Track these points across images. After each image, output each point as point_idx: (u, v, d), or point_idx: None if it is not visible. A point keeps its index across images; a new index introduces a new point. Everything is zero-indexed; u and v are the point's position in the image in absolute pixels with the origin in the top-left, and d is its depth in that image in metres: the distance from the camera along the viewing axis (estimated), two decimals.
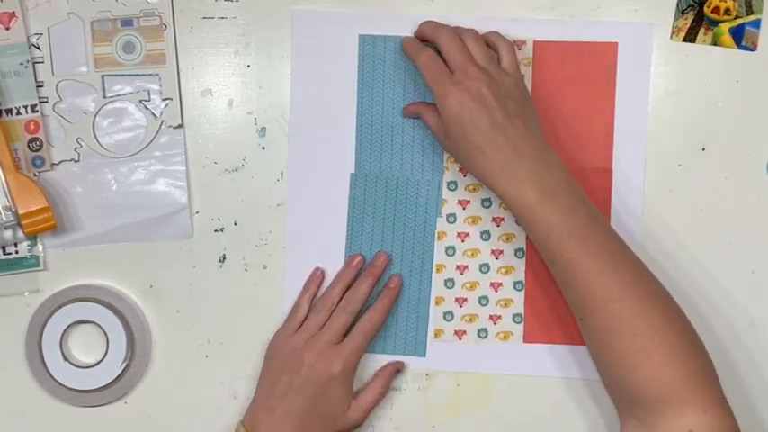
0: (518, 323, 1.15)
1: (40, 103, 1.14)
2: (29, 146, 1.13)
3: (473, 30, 1.10)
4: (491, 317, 1.15)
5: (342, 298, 1.12)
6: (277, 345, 1.12)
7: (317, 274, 1.15)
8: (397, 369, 1.15)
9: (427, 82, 1.07)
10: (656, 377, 1.00)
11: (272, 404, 1.09)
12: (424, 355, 1.16)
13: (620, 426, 1.05)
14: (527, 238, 1.14)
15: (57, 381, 1.15)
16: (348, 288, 1.13)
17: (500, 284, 1.15)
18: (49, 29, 1.14)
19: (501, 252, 1.15)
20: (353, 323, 1.12)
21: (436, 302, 1.16)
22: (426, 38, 1.11)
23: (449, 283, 1.15)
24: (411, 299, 1.15)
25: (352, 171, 1.15)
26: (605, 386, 1.07)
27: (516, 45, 1.13)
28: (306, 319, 1.13)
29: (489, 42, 1.10)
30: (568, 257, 1.02)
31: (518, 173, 1.03)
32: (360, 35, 1.14)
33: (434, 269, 1.15)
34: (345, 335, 1.11)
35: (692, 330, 1.04)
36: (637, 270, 1.04)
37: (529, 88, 1.14)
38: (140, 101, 1.15)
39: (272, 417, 1.09)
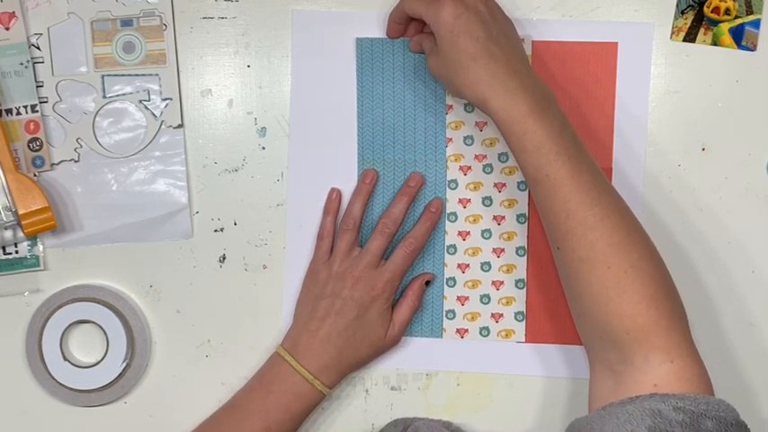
0: (520, 321, 1.15)
1: (40, 103, 1.14)
2: (29, 146, 1.13)
3: None
4: (493, 315, 1.15)
5: (362, 214, 1.13)
6: (314, 271, 1.13)
7: (334, 195, 1.15)
8: (427, 281, 1.15)
9: (416, 8, 1.07)
10: (627, 314, 0.99)
11: (314, 327, 1.10)
12: (441, 336, 1.16)
13: (589, 375, 1.04)
14: (528, 236, 1.14)
15: (57, 381, 1.15)
16: (366, 204, 1.14)
17: (501, 283, 1.15)
18: (49, 29, 1.14)
19: (502, 250, 1.15)
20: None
21: (441, 300, 1.16)
22: None
23: (450, 281, 1.15)
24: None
25: (353, 171, 1.15)
26: (578, 329, 1.05)
27: None
28: (334, 242, 1.13)
29: None
30: (554, 177, 1.01)
31: (511, 83, 1.02)
32: (359, 38, 1.14)
33: (443, 256, 1.15)
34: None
35: (667, 274, 1.03)
36: (618, 203, 1.03)
37: None
38: (140, 101, 1.15)
39: (315, 338, 1.10)
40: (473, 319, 1.16)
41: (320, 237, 1.14)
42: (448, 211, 1.15)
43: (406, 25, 1.12)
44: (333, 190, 1.15)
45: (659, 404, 0.94)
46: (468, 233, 1.15)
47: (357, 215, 1.13)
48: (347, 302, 1.10)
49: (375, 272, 1.11)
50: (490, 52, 1.03)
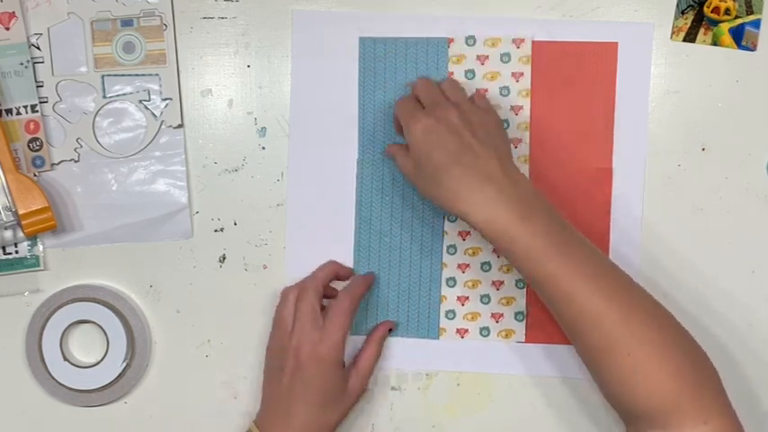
0: (520, 321, 1.15)
1: (40, 103, 1.14)
2: (29, 146, 1.13)
3: (452, 79, 1.12)
4: (493, 315, 1.15)
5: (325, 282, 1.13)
6: (269, 346, 1.12)
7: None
8: (389, 329, 1.14)
9: (399, 119, 1.07)
10: (654, 392, 0.98)
11: (275, 402, 1.09)
12: (437, 338, 1.16)
13: None
14: None
15: (57, 381, 1.15)
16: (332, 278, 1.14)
17: (501, 282, 1.15)
18: (49, 29, 1.14)
19: None
20: None
21: (438, 301, 1.16)
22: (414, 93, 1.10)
23: (450, 281, 1.15)
24: (423, 283, 1.15)
25: (353, 171, 1.15)
26: (606, 399, 1.04)
27: (515, 44, 1.13)
28: None
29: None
30: (554, 274, 1.00)
31: (488, 193, 1.00)
32: (360, 38, 1.14)
33: (443, 256, 1.15)
34: None
35: (688, 339, 1.02)
36: (621, 282, 1.02)
37: (529, 88, 1.14)
38: (140, 101, 1.15)
39: (277, 413, 1.08)
40: (473, 319, 1.16)
41: (277, 311, 1.12)
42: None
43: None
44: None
45: None
46: (468, 233, 1.15)
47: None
48: (294, 373, 1.07)
49: (315, 332, 1.08)
50: (463, 163, 1.01)
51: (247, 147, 1.16)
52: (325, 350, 1.07)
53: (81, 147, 1.15)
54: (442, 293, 1.16)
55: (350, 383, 1.10)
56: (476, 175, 1.01)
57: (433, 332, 1.16)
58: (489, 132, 1.05)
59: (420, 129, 1.03)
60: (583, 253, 1.02)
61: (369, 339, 1.13)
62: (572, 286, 1.00)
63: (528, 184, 1.03)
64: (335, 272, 1.14)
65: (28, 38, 1.13)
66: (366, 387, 1.12)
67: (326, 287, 1.13)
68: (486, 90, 1.14)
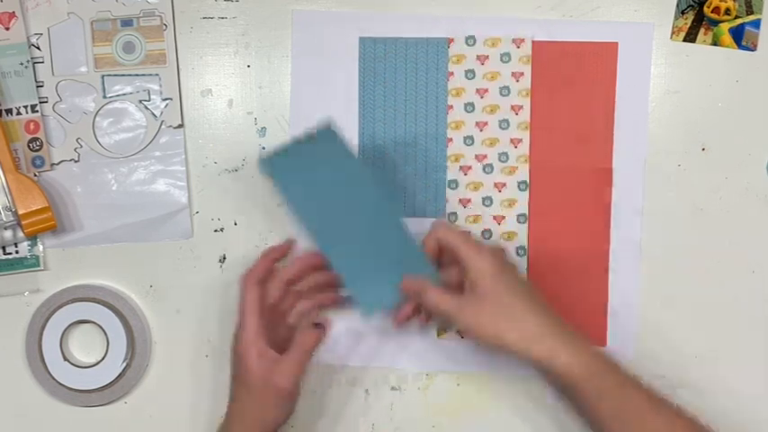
0: None
1: (40, 103, 1.14)
2: (29, 146, 1.13)
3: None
4: None
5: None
6: None
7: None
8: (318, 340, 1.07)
9: (456, 243, 1.03)
10: None
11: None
12: (391, 307, 1.10)
13: None
14: (528, 236, 1.14)
15: (57, 381, 1.15)
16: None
17: None
18: (49, 29, 1.14)
19: None
20: None
21: None
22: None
23: None
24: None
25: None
26: None
27: (515, 44, 1.13)
28: None
29: None
30: (628, 409, 1.00)
31: (582, 336, 1.02)
32: (360, 38, 1.14)
33: None
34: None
35: None
36: (676, 409, 1.03)
37: (529, 88, 1.14)
38: (140, 101, 1.15)
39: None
40: None
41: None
42: (448, 211, 1.15)
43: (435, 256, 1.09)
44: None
45: None
46: (469, 233, 1.15)
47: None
48: (232, 382, 1.08)
49: (234, 338, 1.08)
50: (544, 306, 1.02)
51: (247, 147, 1.16)
52: (235, 342, 1.06)
53: (81, 147, 1.15)
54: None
55: (275, 376, 1.04)
56: (550, 317, 1.02)
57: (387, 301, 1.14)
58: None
59: (489, 257, 1.02)
60: (641, 384, 1.03)
61: (297, 346, 1.06)
62: (645, 418, 1.00)
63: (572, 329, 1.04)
64: (275, 258, 1.10)
65: (28, 38, 1.13)
66: (290, 386, 1.05)
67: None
68: (487, 90, 1.14)
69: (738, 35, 1.13)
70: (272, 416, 1.05)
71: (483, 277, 1.02)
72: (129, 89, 1.15)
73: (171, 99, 1.15)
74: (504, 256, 1.05)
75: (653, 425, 0.99)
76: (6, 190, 1.10)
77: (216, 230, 1.16)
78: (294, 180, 1.08)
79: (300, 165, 1.08)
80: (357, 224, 1.07)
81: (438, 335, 1.16)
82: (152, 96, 1.15)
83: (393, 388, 1.17)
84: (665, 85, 1.14)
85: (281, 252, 1.10)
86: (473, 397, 1.17)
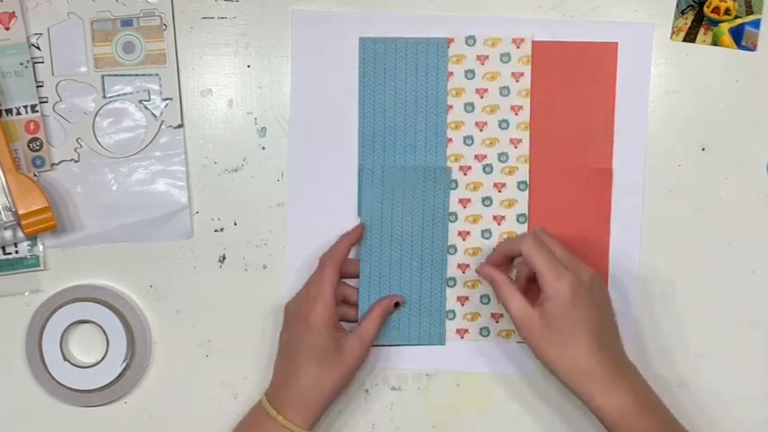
0: None
1: (40, 103, 1.14)
2: (29, 146, 1.13)
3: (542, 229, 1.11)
4: (493, 315, 1.15)
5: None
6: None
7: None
8: (395, 303, 1.14)
9: (537, 262, 1.04)
10: None
11: (277, 372, 1.11)
12: (444, 343, 1.16)
13: None
14: None
15: (57, 381, 1.15)
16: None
17: None
18: (49, 29, 1.14)
19: None
20: None
21: (440, 303, 1.16)
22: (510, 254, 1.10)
23: (450, 281, 1.15)
24: (423, 288, 1.15)
25: (353, 171, 1.15)
26: None
27: (515, 44, 1.13)
28: None
29: None
30: None
31: (624, 379, 1.03)
32: (360, 38, 1.14)
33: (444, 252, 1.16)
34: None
35: None
36: None
37: (529, 88, 1.14)
38: (140, 101, 1.15)
39: (278, 382, 1.10)
40: (473, 319, 1.16)
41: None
42: (448, 211, 1.15)
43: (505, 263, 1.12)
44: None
45: None
46: (468, 233, 1.15)
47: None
48: (290, 344, 1.10)
49: (307, 306, 1.10)
50: (599, 338, 1.03)
51: (247, 147, 1.16)
52: (307, 309, 1.09)
53: (81, 147, 1.15)
54: (444, 299, 1.16)
55: (348, 345, 1.09)
56: (610, 362, 1.03)
57: (436, 338, 1.16)
58: (610, 314, 1.08)
59: (567, 284, 1.03)
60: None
61: (374, 307, 1.13)
62: None
63: (638, 374, 1.06)
64: (352, 242, 1.14)
65: (28, 38, 1.13)
66: (367, 356, 1.11)
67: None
68: (486, 90, 1.14)
69: (738, 35, 1.13)
70: (337, 383, 1.09)
71: (552, 302, 1.03)
72: (129, 89, 1.15)
73: (171, 99, 1.15)
74: (590, 283, 1.05)
75: None
76: (6, 190, 1.10)
77: (216, 230, 1.16)
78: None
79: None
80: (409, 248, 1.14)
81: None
82: (152, 96, 1.15)
83: (393, 388, 1.17)
84: (665, 85, 1.14)
85: (356, 236, 1.14)
86: (473, 397, 1.16)
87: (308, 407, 1.08)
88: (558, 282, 1.03)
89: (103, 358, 1.16)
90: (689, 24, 1.13)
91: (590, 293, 1.04)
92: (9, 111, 1.13)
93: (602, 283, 1.07)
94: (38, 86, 1.14)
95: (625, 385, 1.03)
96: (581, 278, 1.04)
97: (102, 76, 1.15)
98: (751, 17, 1.13)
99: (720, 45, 1.14)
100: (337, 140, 1.15)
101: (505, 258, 1.11)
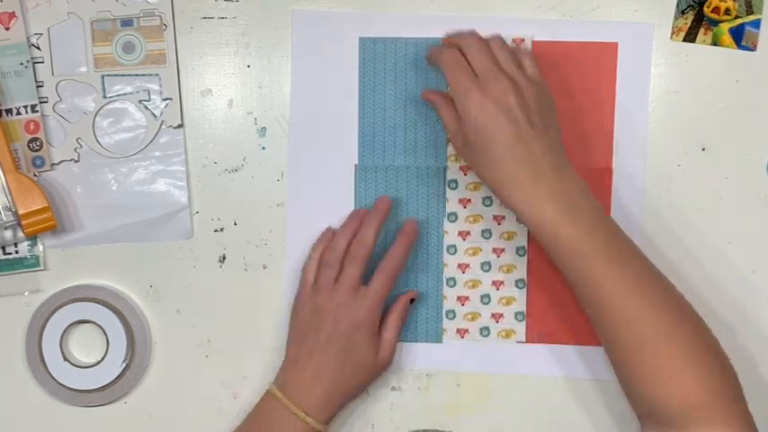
0: (520, 321, 1.15)
1: (40, 103, 1.14)
2: (29, 146, 1.13)
3: (499, 35, 1.08)
4: (493, 315, 1.15)
5: (346, 249, 1.11)
6: (299, 307, 1.11)
7: (327, 233, 1.13)
8: (411, 299, 1.13)
9: (449, 82, 1.04)
10: (680, 395, 0.98)
11: (302, 363, 1.09)
12: (441, 341, 1.16)
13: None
14: (528, 235, 1.15)
15: (57, 381, 1.15)
16: (352, 239, 1.11)
17: (501, 283, 1.15)
18: (49, 29, 1.14)
19: (502, 250, 1.15)
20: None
21: (439, 301, 1.16)
22: (451, 43, 1.08)
23: (450, 281, 1.15)
24: (420, 286, 1.15)
25: (353, 171, 1.15)
26: (626, 395, 1.04)
27: (515, 44, 1.13)
28: (318, 275, 1.11)
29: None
30: (594, 277, 1.00)
31: (538, 190, 1.00)
32: (360, 38, 1.14)
33: (443, 256, 1.16)
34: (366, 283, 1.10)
35: (717, 347, 1.02)
36: (663, 289, 1.02)
37: None
38: (140, 101, 1.15)
39: (304, 375, 1.08)
40: (473, 319, 1.16)
41: (304, 271, 1.13)
42: (448, 211, 1.15)
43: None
44: (328, 229, 1.14)
45: None
46: (469, 233, 1.15)
47: (341, 250, 1.10)
48: (331, 336, 1.08)
49: (356, 300, 1.08)
50: (516, 158, 1.00)
51: (247, 147, 1.16)
52: (363, 315, 1.08)
53: (81, 147, 1.15)
54: (443, 293, 1.16)
55: (381, 352, 1.10)
56: (529, 170, 1.01)
57: (433, 336, 1.16)
58: (543, 115, 1.03)
59: (476, 106, 1.01)
60: (627, 256, 1.02)
61: (391, 310, 1.12)
62: (613, 290, 1.00)
63: (577, 179, 1.03)
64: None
65: (28, 38, 1.13)
66: (391, 361, 1.12)
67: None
68: None
69: (738, 35, 1.13)
70: (364, 388, 1.12)
71: (465, 121, 1.02)
72: (129, 89, 1.15)
73: (171, 99, 1.15)
74: (503, 96, 1.01)
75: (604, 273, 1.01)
76: (6, 190, 1.10)
77: (216, 230, 1.16)
78: None
79: None
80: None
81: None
82: (152, 96, 1.15)
83: (393, 388, 1.17)
84: (665, 85, 1.14)
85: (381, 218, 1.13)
86: (473, 397, 1.17)
87: (332, 407, 1.09)
88: (465, 100, 1.02)
89: (103, 358, 1.16)
90: (689, 24, 1.13)
91: (499, 106, 1.00)
92: (9, 111, 1.13)
93: (531, 92, 1.03)
94: (38, 86, 1.14)
95: (549, 196, 1.00)
96: (492, 93, 1.01)
97: (102, 76, 1.15)
98: (751, 17, 1.13)
99: (720, 45, 1.14)
100: (337, 140, 1.15)
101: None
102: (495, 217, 1.15)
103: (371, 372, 1.10)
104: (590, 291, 1.01)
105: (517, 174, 1.01)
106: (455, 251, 1.15)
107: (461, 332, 1.16)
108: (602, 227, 1.02)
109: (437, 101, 1.08)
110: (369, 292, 1.09)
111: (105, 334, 1.15)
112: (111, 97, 1.15)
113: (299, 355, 1.09)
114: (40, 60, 1.14)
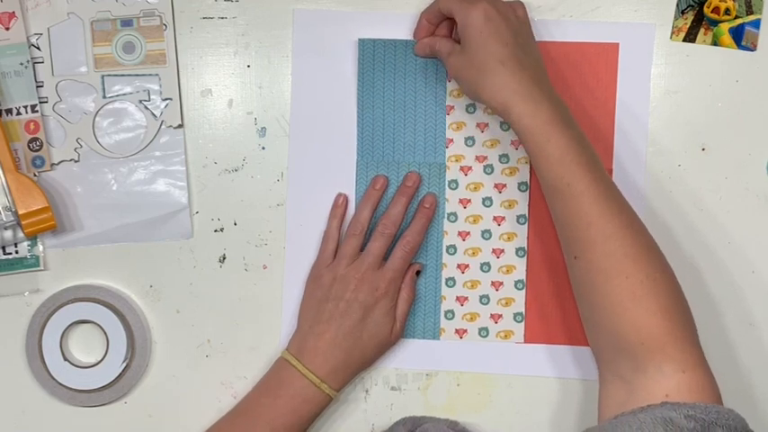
0: (519, 322, 1.15)
1: (40, 103, 1.14)
2: (29, 146, 1.13)
3: None
4: (492, 316, 1.15)
5: (370, 220, 1.13)
6: (317, 275, 1.13)
7: (341, 200, 1.15)
8: (417, 271, 1.15)
9: (451, 4, 1.07)
10: (642, 324, 0.99)
11: (319, 330, 1.10)
12: (438, 338, 1.16)
13: (599, 386, 1.05)
14: (528, 237, 1.15)
15: (57, 381, 1.15)
16: (375, 210, 1.14)
17: (501, 283, 1.15)
18: (49, 29, 1.14)
19: (502, 251, 1.15)
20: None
21: (438, 301, 1.16)
22: None
23: (450, 281, 1.15)
24: (419, 286, 1.15)
25: (353, 171, 1.15)
26: (590, 340, 1.06)
27: None
28: (339, 246, 1.13)
29: None
30: (576, 186, 1.02)
31: (535, 92, 1.03)
32: (359, 38, 1.14)
33: (443, 257, 1.15)
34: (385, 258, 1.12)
35: (679, 288, 1.04)
36: (634, 216, 1.04)
37: None
38: (140, 101, 1.15)
39: (321, 341, 1.10)
40: (472, 319, 1.16)
41: (325, 240, 1.14)
42: (448, 211, 1.15)
43: (437, 25, 1.12)
44: (340, 195, 1.15)
45: (671, 412, 0.95)
46: (468, 233, 1.15)
47: (365, 221, 1.13)
48: (352, 304, 1.10)
49: (377, 273, 1.11)
50: (518, 59, 1.03)
51: (247, 147, 1.16)
52: (384, 288, 1.11)
53: (81, 147, 1.15)
54: (442, 293, 1.16)
55: (394, 328, 1.13)
56: (527, 74, 1.03)
57: (430, 332, 1.16)
58: (534, 47, 1.08)
59: (480, 13, 1.04)
60: (606, 176, 1.04)
61: (402, 285, 1.13)
62: (591, 200, 1.02)
63: (565, 104, 1.06)
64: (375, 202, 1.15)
65: (28, 38, 1.13)
66: (402, 333, 1.14)
67: None
68: None
69: (738, 35, 1.13)
70: (375, 360, 1.14)
71: (467, 30, 1.05)
72: (129, 89, 1.15)
73: (171, 99, 1.15)
74: (504, 10, 1.06)
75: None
76: (6, 190, 1.10)
77: (216, 230, 1.16)
78: None
79: None
80: None
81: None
82: (152, 96, 1.15)
83: (393, 388, 1.17)
84: (665, 86, 1.14)
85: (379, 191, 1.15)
86: (473, 397, 1.17)
87: (345, 375, 1.11)
88: (469, 9, 1.05)
89: (103, 358, 1.16)
90: (689, 24, 1.13)
91: (503, 17, 1.05)
92: (9, 111, 1.13)
93: (521, 13, 1.09)
94: (38, 86, 1.14)
95: (545, 101, 1.03)
96: (498, 7, 1.05)
97: (102, 76, 1.15)
98: (751, 17, 1.13)
99: (720, 45, 1.14)
100: (337, 140, 1.15)
101: (437, 26, 1.13)
102: (495, 218, 1.15)
103: (384, 345, 1.12)
104: (570, 202, 1.02)
105: (518, 74, 1.03)
106: (455, 251, 1.15)
107: (460, 332, 1.16)
108: (586, 142, 1.05)
109: (429, 40, 1.12)
110: (390, 267, 1.11)
111: (105, 334, 1.15)
112: (111, 97, 1.15)
113: (318, 322, 1.11)
114: (40, 60, 1.14)
